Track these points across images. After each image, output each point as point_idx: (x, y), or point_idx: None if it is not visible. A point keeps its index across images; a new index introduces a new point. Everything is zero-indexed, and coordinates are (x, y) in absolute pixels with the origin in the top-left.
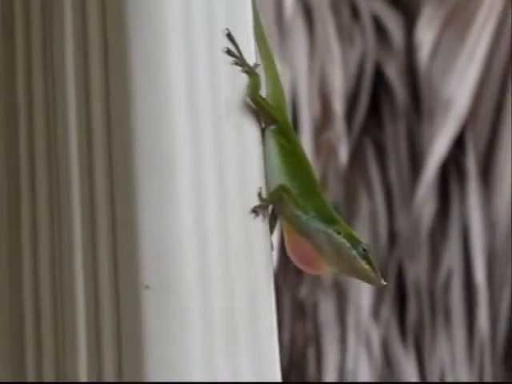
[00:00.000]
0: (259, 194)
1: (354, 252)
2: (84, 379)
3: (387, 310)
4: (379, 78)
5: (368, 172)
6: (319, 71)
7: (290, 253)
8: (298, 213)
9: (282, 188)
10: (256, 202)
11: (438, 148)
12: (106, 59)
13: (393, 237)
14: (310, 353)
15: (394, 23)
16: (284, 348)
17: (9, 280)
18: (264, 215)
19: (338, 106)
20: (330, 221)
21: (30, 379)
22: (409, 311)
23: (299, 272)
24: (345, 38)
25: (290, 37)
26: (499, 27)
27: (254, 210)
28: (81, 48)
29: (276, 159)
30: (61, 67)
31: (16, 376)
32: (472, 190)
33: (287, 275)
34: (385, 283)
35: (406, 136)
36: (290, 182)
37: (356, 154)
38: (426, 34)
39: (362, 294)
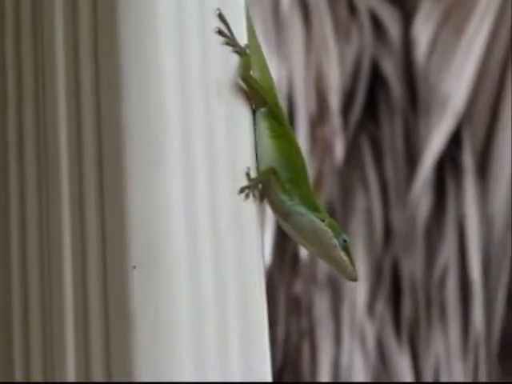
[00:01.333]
0: (247, 174)
1: (335, 241)
2: (71, 361)
3: (382, 306)
4: (376, 73)
5: (364, 168)
6: (315, 67)
7: None
8: (284, 197)
9: (271, 170)
10: (245, 182)
11: (435, 144)
12: (95, 35)
13: (388, 233)
14: (305, 348)
15: (391, 19)
16: (278, 343)
17: None
18: (254, 196)
19: (335, 101)
20: (314, 209)
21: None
22: (404, 307)
23: (294, 267)
24: (342, 33)
25: (287, 32)
26: (496, 23)
27: (242, 190)
28: (71, 33)
29: (267, 141)
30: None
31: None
32: (468, 186)
33: (282, 271)
34: (358, 279)
35: (402, 132)
36: (280, 165)
37: (352, 150)
38: (423, 30)
39: (357, 289)
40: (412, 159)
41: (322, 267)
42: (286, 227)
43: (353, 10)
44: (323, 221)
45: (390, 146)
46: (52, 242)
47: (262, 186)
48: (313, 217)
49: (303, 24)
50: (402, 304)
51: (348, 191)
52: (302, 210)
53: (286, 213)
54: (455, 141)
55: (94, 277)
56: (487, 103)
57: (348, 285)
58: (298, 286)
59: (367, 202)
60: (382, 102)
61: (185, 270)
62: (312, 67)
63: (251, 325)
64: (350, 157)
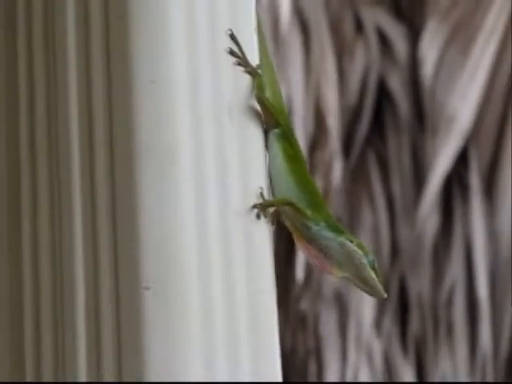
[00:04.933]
0: (261, 194)
1: (365, 260)
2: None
3: (389, 323)
4: (382, 90)
5: (370, 185)
6: (314, 88)
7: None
8: (309, 223)
9: (285, 201)
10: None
11: (442, 163)
12: (107, 57)
13: (395, 250)
14: (311, 365)
15: (398, 36)
16: (285, 360)
17: (9, 282)
18: (266, 216)
19: (333, 122)
20: (338, 230)
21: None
22: (411, 325)
23: (301, 284)
24: (348, 50)
25: (286, 52)
26: (503, 42)
27: (254, 207)
28: (83, 43)
29: (282, 165)
30: (63, 61)
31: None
32: (475, 205)
33: (289, 287)
34: (386, 296)
35: (409, 150)
36: (298, 190)
37: (359, 167)
38: (430, 48)
39: (364, 306)
40: (419, 177)
41: (329, 284)
42: (315, 254)
43: (359, 27)
44: (352, 242)
45: (397, 164)
46: (64, 263)
47: (286, 218)
48: (341, 239)
49: (303, 44)
50: (410, 321)
51: (355, 208)
52: (328, 233)
53: (313, 238)
54: (462, 160)
55: (107, 298)
56: (493, 122)
57: (354, 301)
58: (305, 303)
59: (374, 218)
60: (388, 119)
61: (197, 291)
62: (311, 88)
63: (262, 344)
64: (357, 174)
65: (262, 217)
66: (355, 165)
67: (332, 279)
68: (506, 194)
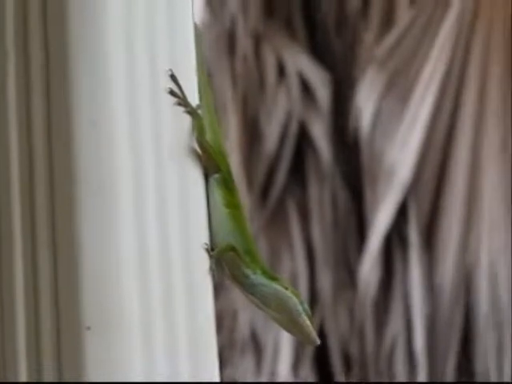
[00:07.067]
0: (207, 250)
1: (300, 308)
2: None
3: (306, 373)
4: (304, 137)
5: (290, 233)
6: None
7: None
8: (247, 271)
9: (230, 247)
10: (198, 243)
11: (382, 217)
12: (48, 96)
13: (314, 297)
14: None
15: (320, 81)
16: None
17: None
18: (211, 267)
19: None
20: (272, 277)
21: None
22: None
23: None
24: (269, 96)
25: None
26: (441, 92)
27: (212, 268)
28: (23, 88)
29: (222, 211)
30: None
31: None
32: (414, 258)
33: None
34: (319, 342)
35: (330, 198)
36: (237, 237)
37: (277, 215)
38: (367, 99)
39: (280, 355)
40: (355, 229)
41: (243, 329)
42: (251, 299)
43: (281, 73)
44: (286, 288)
45: (319, 211)
46: (5, 304)
47: (225, 264)
48: (276, 286)
49: None
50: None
51: (273, 256)
52: (264, 281)
53: (250, 286)
54: (401, 212)
55: (48, 338)
56: (432, 174)
57: (271, 349)
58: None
59: (292, 266)
60: (310, 166)
61: (138, 331)
62: None
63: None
64: (275, 221)
65: (202, 261)
66: (273, 212)
67: (244, 327)
68: (444, 247)
